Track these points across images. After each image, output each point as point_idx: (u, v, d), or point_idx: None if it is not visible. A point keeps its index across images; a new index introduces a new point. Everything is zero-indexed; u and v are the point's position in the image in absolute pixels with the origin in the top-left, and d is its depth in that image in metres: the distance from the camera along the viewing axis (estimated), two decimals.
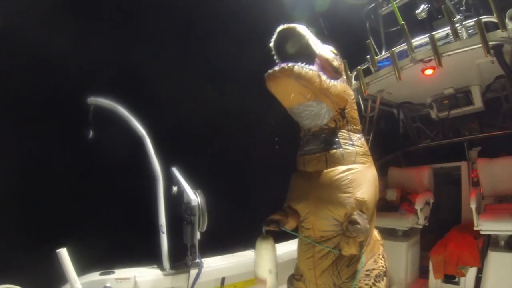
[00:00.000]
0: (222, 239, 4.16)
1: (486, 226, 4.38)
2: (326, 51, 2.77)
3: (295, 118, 2.89)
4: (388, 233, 5.50)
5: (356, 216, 2.57)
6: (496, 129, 5.53)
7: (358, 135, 2.92)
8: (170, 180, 3.86)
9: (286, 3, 5.79)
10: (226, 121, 5.83)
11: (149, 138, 3.75)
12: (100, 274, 3.38)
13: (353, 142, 2.83)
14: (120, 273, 3.46)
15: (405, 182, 5.87)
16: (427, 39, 4.41)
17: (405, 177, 5.97)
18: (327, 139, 2.81)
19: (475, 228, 4.55)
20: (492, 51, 3.97)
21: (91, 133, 3.71)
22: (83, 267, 3.18)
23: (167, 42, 5.85)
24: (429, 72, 4.76)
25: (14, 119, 4.55)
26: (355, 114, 2.98)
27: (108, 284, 3.29)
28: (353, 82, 5.37)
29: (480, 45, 3.91)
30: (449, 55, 4.23)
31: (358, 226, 2.53)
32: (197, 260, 3.75)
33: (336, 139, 2.80)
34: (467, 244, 4.70)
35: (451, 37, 4.30)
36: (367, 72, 5.26)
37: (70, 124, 3.88)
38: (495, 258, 4.25)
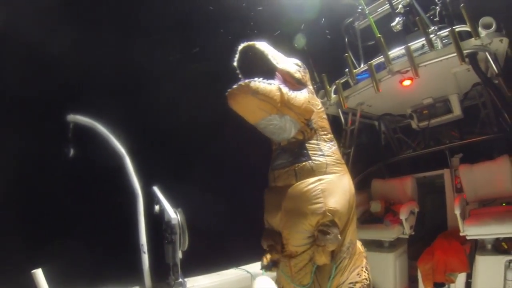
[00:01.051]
0: (207, 257, 4.04)
1: (472, 231, 4.40)
2: (287, 64, 2.79)
3: (263, 133, 2.82)
4: (375, 245, 5.48)
5: (326, 226, 2.54)
6: (475, 135, 5.63)
7: (328, 144, 2.84)
8: (151, 199, 3.78)
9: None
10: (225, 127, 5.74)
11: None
12: None
13: (323, 152, 2.78)
14: None
15: (389, 193, 5.89)
16: (403, 51, 4.52)
17: (388, 188, 5.99)
18: (295, 152, 2.77)
19: (461, 234, 4.57)
20: (467, 59, 4.08)
21: (71, 152, 3.64)
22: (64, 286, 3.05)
23: (167, 41, 5.84)
24: (407, 83, 4.85)
25: None
26: (324, 123, 2.90)
27: None
28: (332, 96, 5.42)
29: (455, 54, 4.01)
30: (425, 65, 4.33)
31: (328, 236, 2.51)
32: (180, 279, 3.64)
33: (305, 151, 2.75)
34: (454, 251, 4.69)
35: (426, 48, 4.41)
36: (346, 85, 5.33)
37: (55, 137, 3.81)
38: (483, 262, 4.26)
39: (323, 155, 2.76)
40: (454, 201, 5.04)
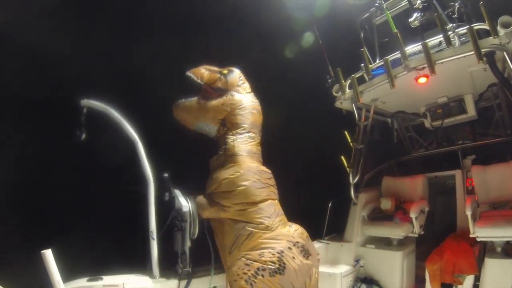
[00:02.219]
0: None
1: (482, 232, 4.36)
2: (210, 78, 3.66)
3: None
4: (383, 243, 5.46)
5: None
6: (489, 137, 5.54)
7: (235, 137, 3.55)
8: (162, 187, 3.77)
9: (286, 9, 5.87)
10: None
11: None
12: (88, 281, 3.24)
13: (226, 145, 3.52)
14: (108, 279, 3.32)
15: (400, 191, 5.84)
16: (420, 48, 4.45)
17: (399, 186, 5.94)
18: (217, 145, 3.63)
19: (471, 235, 4.52)
20: (484, 59, 4.01)
21: (83, 135, 3.64)
22: (70, 273, 3.07)
23: (166, 41, 5.85)
24: (422, 80, 4.79)
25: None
26: (237, 119, 3.59)
27: None
28: (347, 90, 5.38)
29: (472, 52, 3.94)
30: (442, 62, 4.27)
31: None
32: (188, 268, 3.64)
33: (219, 146, 3.59)
34: (463, 252, 4.65)
35: (444, 45, 4.34)
36: (361, 81, 5.28)
37: (63, 126, 3.84)
38: (492, 265, 4.22)
39: (226, 148, 3.50)
40: (465, 202, 4.98)
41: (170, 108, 3.86)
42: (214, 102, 3.60)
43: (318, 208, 5.86)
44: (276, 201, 3.67)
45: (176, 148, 4.78)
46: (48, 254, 2.47)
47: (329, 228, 5.74)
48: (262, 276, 3.03)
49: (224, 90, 3.65)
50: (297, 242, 3.39)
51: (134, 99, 3.87)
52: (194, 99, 3.62)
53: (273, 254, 3.16)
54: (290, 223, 3.62)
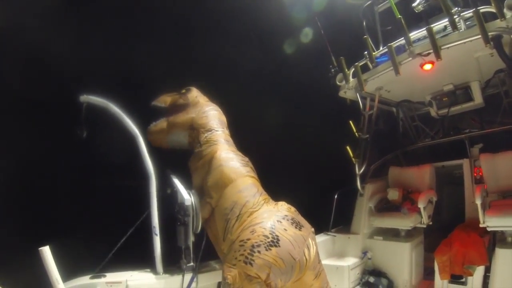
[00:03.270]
0: None
1: (493, 222, 4.28)
2: (172, 100, 4.05)
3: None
4: (391, 234, 5.40)
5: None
6: (497, 125, 5.40)
7: (206, 133, 3.77)
8: (164, 182, 3.72)
9: (285, 4, 5.79)
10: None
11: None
12: (91, 278, 3.20)
13: (201, 142, 3.73)
14: (111, 277, 3.28)
15: (407, 181, 5.76)
16: (425, 33, 4.35)
17: (406, 176, 5.85)
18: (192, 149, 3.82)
19: (481, 225, 4.44)
20: (491, 43, 3.90)
21: (84, 132, 3.62)
22: (73, 271, 3.03)
23: (166, 41, 5.81)
24: (428, 67, 4.69)
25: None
26: (203, 120, 3.86)
27: None
28: (351, 79, 5.28)
29: (479, 36, 3.84)
30: (448, 47, 4.16)
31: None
32: (192, 263, 3.57)
33: (193, 147, 3.79)
34: (473, 242, 4.57)
35: (449, 30, 4.23)
36: (365, 70, 5.19)
37: (64, 123, 3.81)
38: (503, 255, 4.14)
39: (200, 144, 3.73)
40: (473, 191, 4.89)
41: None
42: (180, 114, 3.95)
43: (324, 200, 5.79)
44: (257, 180, 3.69)
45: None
46: (46, 251, 2.41)
47: (336, 221, 5.68)
48: (259, 252, 2.96)
49: (186, 104, 4.00)
50: (286, 215, 3.35)
51: (134, 99, 3.80)
52: (162, 120, 3.98)
53: (264, 229, 3.12)
54: (274, 202, 3.58)
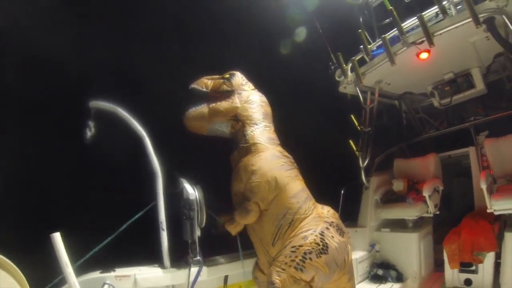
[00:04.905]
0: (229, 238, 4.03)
1: (499, 205, 4.27)
2: (213, 84, 3.79)
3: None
4: (399, 225, 5.37)
5: (241, 202, 3.42)
6: (501, 110, 5.35)
7: (253, 128, 3.62)
8: (170, 180, 3.83)
9: (283, 3, 5.91)
10: None
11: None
12: (100, 273, 3.33)
13: (246, 137, 3.57)
14: (121, 271, 3.40)
15: (412, 172, 5.74)
16: (418, 23, 4.39)
17: (411, 167, 5.83)
18: (235, 141, 3.68)
19: (488, 211, 4.42)
20: (484, 26, 3.91)
21: (90, 135, 3.75)
22: (83, 268, 3.14)
23: (166, 40, 5.94)
24: (424, 55, 4.71)
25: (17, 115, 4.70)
26: (249, 112, 3.68)
27: (108, 281, 3.23)
28: (349, 74, 5.35)
29: (470, 20, 3.85)
30: (441, 33, 4.18)
31: (236, 212, 3.44)
32: (198, 257, 3.66)
33: (237, 140, 3.64)
34: (482, 229, 4.52)
35: (441, 17, 4.26)
36: (362, 63, 5.25)
37: (70, 120, 3.96)
38: None
39: (246, 140, 3.56)
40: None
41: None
42: (224, 102, 3.70)
43: (331, 196, 5.80)
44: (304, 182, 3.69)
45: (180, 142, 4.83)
46: (57, 237, 2.55)
47: (344, 215, 5.66)
48: (310, 259, 3.10)
49: (230, 91, 3.76)
50: (332, 222, 3.47)
51: (133, 99, 3.91)
52: (203, 106, 3.71)
53: (316, 236, 3.23)
54: (320, 205, 3.64)
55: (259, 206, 3.37)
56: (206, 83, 3.82)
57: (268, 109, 3.92)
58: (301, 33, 6.82)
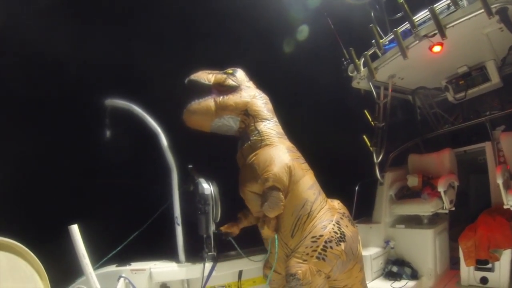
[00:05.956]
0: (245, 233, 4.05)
1: None
2: (217, 78, 3.62)
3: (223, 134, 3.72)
4: (414, 222, 5.33)
5: (268, 190, 3.21)
6: None
7: (264, 123, 3.58)
8: (185, 176, 3.87)
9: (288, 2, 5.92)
10: None
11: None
12: (116, 266, 3.41)
13: (259, 131, 3.52)
14: (136, 265, 3.48)
15: (427, 168, 5.66)
16: (429, 15, 4.34)
17: (426, 162, 5.76)
18: (242, 137, 3.61)
19: (505, 207, 4.33)
20: (497, 16, 3.85)
21: (108, 134, 3.82)
22: (98, 261, 3.22)
23: (168, 40, 6.00)
24: (437, 49, 4.66)
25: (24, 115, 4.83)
26: (259, 108, 3.62)
27: (123, 275, 3.31)
28: (362, 69, 5.32)
29: (482, 10, 3.79)
30: (453, 25, 4.10)
31: (266, 203, 3.19)
32: (213, 252, 3.70)
33: (247, 135, 3.56)
34: (498, 226, 4.45)
35: (453, 9, 4.20)
36: (374, 58, 5.22)
37: (89, 117, 4.03)
38: None
39: (259, 133, 3.51)
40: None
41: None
42: (233, 96, 3.59)
43: (345, 192, 5.77)
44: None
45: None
46: (75, 229, 2.65)
47: (359, 212, 5.63)
48: (331, 247, 3.16)
49: (236, 86, 3.69)
50: (344, 212, 3.58)
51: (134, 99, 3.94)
52: (209, 98, 3.54)
53: (334, 225, 3.31)
54: (329, 199, 3.71)
55: (282, 194, 3.28)
56: (207, 76, 3.64)
57: (271, 107, 3.88)
58: (309, 31, 6.80)
